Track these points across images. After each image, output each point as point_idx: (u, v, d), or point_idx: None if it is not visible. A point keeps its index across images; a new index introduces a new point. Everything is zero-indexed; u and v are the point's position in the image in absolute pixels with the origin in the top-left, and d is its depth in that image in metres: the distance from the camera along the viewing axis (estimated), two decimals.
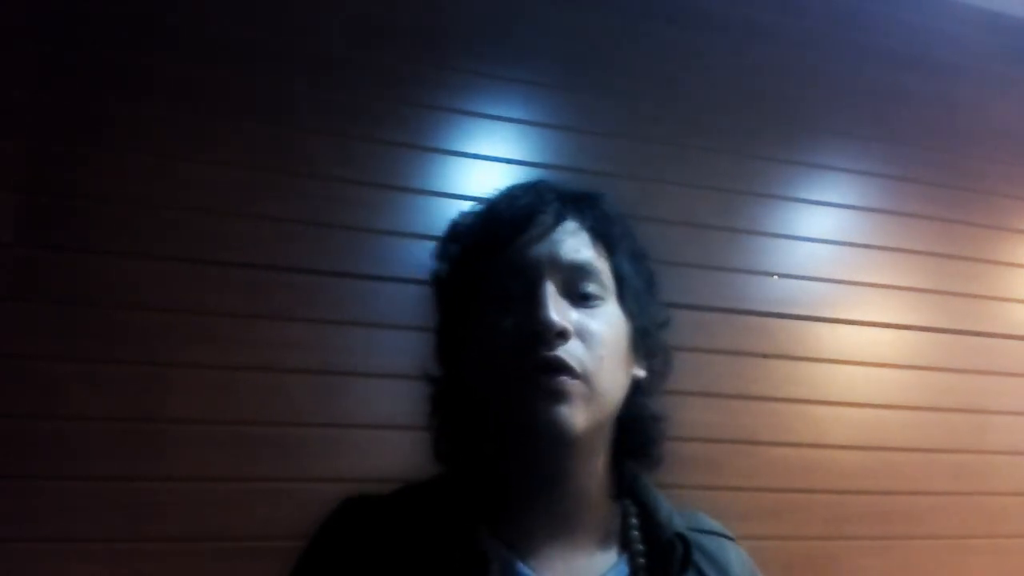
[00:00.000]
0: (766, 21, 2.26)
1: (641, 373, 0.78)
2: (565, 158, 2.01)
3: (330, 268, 1.80)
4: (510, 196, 0.78)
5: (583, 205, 0.78)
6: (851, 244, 2.23)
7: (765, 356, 2.07)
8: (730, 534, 0.83)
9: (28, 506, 1.55)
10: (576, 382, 0.69)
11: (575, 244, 0.74)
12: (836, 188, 2.26)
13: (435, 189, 1.90)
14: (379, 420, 1.75)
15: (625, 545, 0.76)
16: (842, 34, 2.33)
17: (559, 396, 0.68)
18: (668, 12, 2.17)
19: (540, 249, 0.73)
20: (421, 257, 1.88)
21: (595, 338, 0.71)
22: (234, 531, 1.62)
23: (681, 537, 0.75)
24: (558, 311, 0.69)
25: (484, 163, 1.96)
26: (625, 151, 2.07)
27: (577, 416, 0.68)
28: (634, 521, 0.77)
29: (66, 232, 1.65)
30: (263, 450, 1.67)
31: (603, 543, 0.75)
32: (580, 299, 0.73)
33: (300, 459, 1.69)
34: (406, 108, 1.92)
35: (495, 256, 0.73)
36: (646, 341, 0.78)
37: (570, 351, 0.69)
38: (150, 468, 1.61)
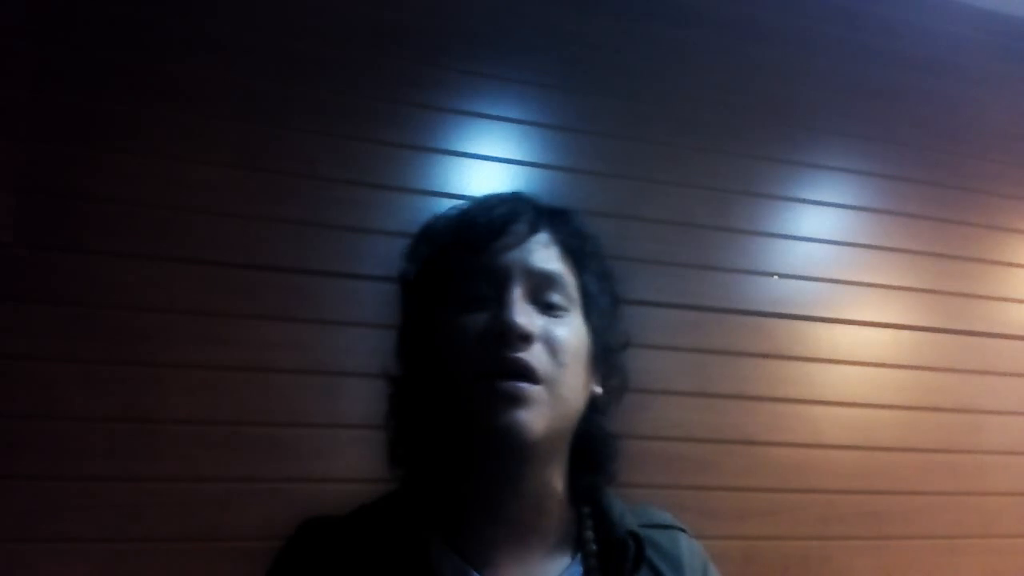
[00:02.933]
0: (765, 21, 2.26)
1: (598, 390, 0.79)
2: (563, 158, 2.01)
3: (329, 268, 1.80)
4: (486, 205, 0.79)
5: (556, 220, 0.80)
6: (848, 244, 2.23)
7: (760, 356, 2.07)
8: (681, 525, 0.84)
9: (25, 506, 1.56)
10: (537, 388, 0.69)
11: (546, 255, 0.76)
12: (834, 188, 2.26)
13: (434, 189, 1.90)
14: (376, 420, 1.75)
15: (579, 547, 0.77)
16: (842, 34, 2.33)
17: (519, 400, 0.68)
18: (667, 12, 2.17)
19: (511, 256, 0.74)
20: None
21: (559, 345, 0.72)
22: (231, 531, 1.63)
23: (633, 535, 0.76)
24: (524, 315, 0.71)
25: (483, 163, 1.96)
26: (623, 151, 2.07)
27: (535, 421, 0.69)
28: (589, 522, 0.78)
29: (65, 232, 1.65)
30: (261, 450, 1.68)
31: (559, 547, 0.76)
32: (546, 307, 0.74)
33: (298, 459, 1.70)
34: (405, 108, 1.92)
35: (466, 259, 0.75)
36: (607, 359, 0.79)
37: (533, 355, 0.70)
38: (147, 468, 1.62)
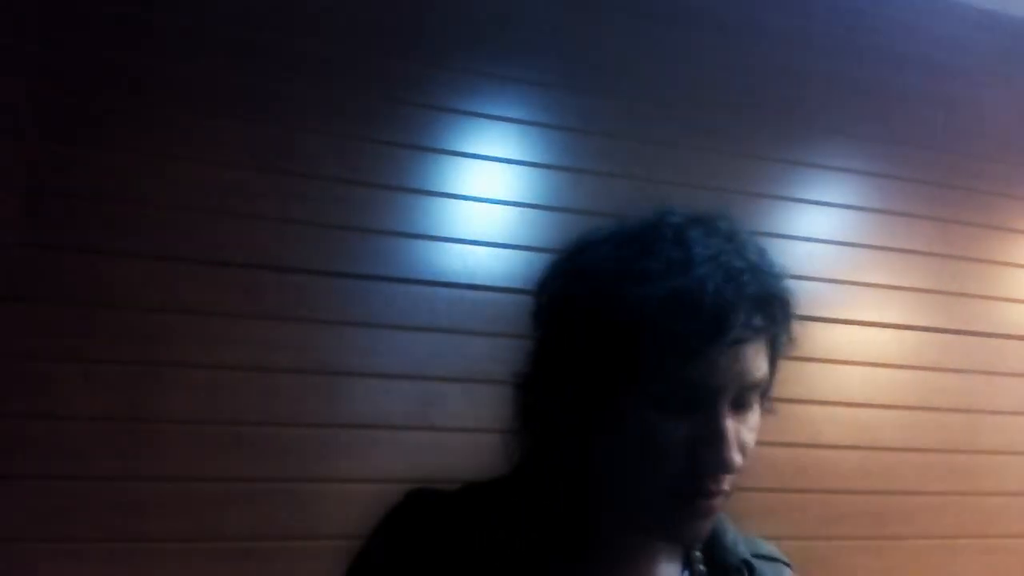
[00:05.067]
0: (766, 21, 2.26)
1: None
2: (563, 158, 2.01)
3: (328, 268, 1.80)
4: (709, 275, 0.65)
5: (775, 312, 0.70)
6: (848, 244, 2.23)
7: None
8: (786, 559, 0.84)
9: (24, 506, 1.56)
10: (724, 496, 0.69)
11: (760, 362, 0.68)
12: (834, 188, 2.26)
13: (435, 189, 1.90)
14: (377, 420, 1.76)
15: (686, 566, 0.77)
16: (842, 34, 2.32)
17: (709, 516, 0.69)
18: (668, 12, 2.17)
19: (727, 364, 0.65)
20: (420, 257, 1.90)
21: (747, 450, 0.69)
22: (231, 531, 1.64)
23: (747, 564, 0.77)
24: (737, 442, 0.67)
25: (484, 163, 1.96)
26: (624, 151, 2.07)
27: (712, 523, 0.70)
28: (699, 546, 0.77)
29: (67, 232, 1.65)
30: (260, 450, 1.68)
31: (667, 565, 0.76)
32: (741, 407, 0.69)
33: (297, 459, 1.70)
34: (405, 108, 1.92)
35: (680, 359, 0.64)
36: None
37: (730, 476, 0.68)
38: (146, 468, 1.62)
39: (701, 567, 0.76)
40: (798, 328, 0.74)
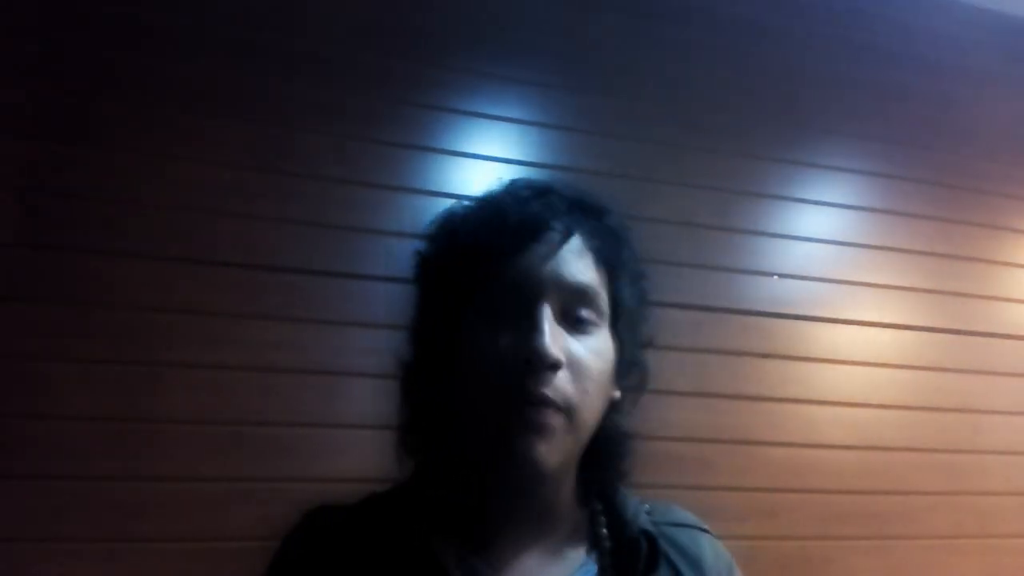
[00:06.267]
0: (766, 21, 2.26)
1: (617, 394, 0.77)
2: (564, 158, 2.01)
3: (328, 268, 1.80)
4: (517, 197, 0.75)
5: (592, 221, 0.76)
6: (848, 244, 2.23)
7: (760, 356, 2.07)
8: (704, 526, 0.83)
9: (23, 506, 1.56)
10: (558, 416, 0.68)
11: (579, 265, 0.72)
12: (834, 188, 2.26)
13: (434, 189, 1.90)
14: (377, 420, 1.75)
15: (594, 545, 0.76)
16: (842, 34, 2.32)
17: (539, 430, 0.67)
18: (668, 12, 2.17)
19: (544, 267, 0.70)
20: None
21: (584, 370, 0.70)
22: (232, 531, 1.64)
23: (646, 534, 0.75)
24: (553, 338, 0.68)
25: (483, 163, 1.96)
26: (623, 151, 2.07)
27: (553, 452, 0.68)
28: (602, 519, 0.77)
29: (66, 232, 1.66)
30: (259, 450, 1.68)
31: (572, 546, 0.76)
32: (574, 323, 0.71)
33: (296, 459, 1.70)
34: (405, 108, 1.92)
35: (496, 265, 0.71)
36: (629, 364, 0.78)
37: (557, 385, 0.68)
38: (146, 468, 1.62)
39: (607, 543, 0.75)
40: (636, 258, 0.78)
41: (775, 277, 2.13)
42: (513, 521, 0.74)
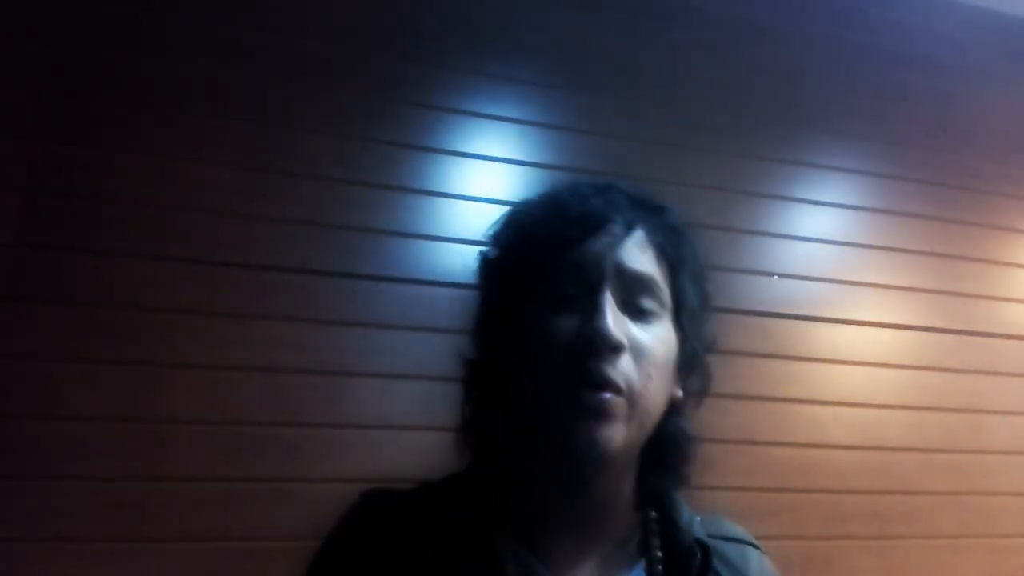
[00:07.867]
0: (766, 21, 2.26)
1: (679, 393, 0.77)
2: (564, 158, 2.01)
3: (329, 268, 1.80)
4: (580, 194, 0.76)
5: (653, 217, 0.77)
6: (848, 244, 2.23)
7: (760, 356, 2.07)
8: (754, 541, 0.83)
9: (25, 506, 1.55)
10: (620, 399, 0.68)
11: (641, 256, 0.73)
12: (835, 188, 2.26)
13: (434, 189, 1.90)
14: (378, 420, 1.76)
15: (644, 552, 0.76)
16: (842, 34, 2.33)
17: (601, 414, 0.67)
18: (668, 12, 2.17)
19: (606, 255, 0.71)
20: (420, 257, 1.90)
21: (646, 355, 0.70)
22: (232, 531, 1.63)
23: (700, 543, 0.75)
24: (616, 322, 0.68)
25: (483, 163, 1.96)
26: (624, 151, 2.07)
27: (615, 436, 0.67)
28: (655, 527, 0.77)
29: (65, 232, 1.65)
30: (261, 450, 1.68)
31: (623, 550, 0.76)
32: (637, 313, 0.71)
33: (299, 459, 1.70)
34: (405, 108, 1.92)
35: (558, 253, 0.71)
36: (691, 363, 0.77)
37: (620, 368, 0.68)
38: (148, 468, 1.62)
39: (658, 552, 0.75)
40: (697, 258, 0.79)
41: (775, 277, 2.13)
42: (568, 520, 0.73)
